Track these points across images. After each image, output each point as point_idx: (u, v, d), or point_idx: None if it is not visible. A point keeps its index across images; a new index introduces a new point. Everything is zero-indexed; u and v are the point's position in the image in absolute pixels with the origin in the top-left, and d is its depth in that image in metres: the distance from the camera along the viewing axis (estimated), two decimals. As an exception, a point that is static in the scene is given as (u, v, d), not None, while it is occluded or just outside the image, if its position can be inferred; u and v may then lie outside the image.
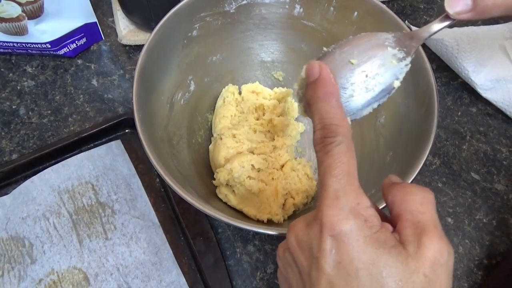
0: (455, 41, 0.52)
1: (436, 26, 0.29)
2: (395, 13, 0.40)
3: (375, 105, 0.28)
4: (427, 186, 0.48)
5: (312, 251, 0.22)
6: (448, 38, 0.53)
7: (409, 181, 0.33)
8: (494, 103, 0.53)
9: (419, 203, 0.23)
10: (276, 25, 0.46)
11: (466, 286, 0.44)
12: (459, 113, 0.54)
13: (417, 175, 0.34)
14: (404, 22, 0.40)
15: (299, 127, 0.47)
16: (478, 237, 0.46)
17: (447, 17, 0.28)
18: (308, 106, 0.26)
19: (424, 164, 0.34)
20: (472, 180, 0.49)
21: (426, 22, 0.61)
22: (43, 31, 0.49)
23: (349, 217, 0.21)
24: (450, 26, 0.29)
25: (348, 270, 0.21)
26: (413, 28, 0.55)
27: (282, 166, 0.43)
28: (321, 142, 0.24)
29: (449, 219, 0.47)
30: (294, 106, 0.47)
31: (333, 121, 0.24)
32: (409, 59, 0.27)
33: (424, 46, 0.54)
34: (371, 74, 0.27)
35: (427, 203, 0.23)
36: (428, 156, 0.34)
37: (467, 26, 0.57)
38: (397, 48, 0.27)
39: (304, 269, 0.23)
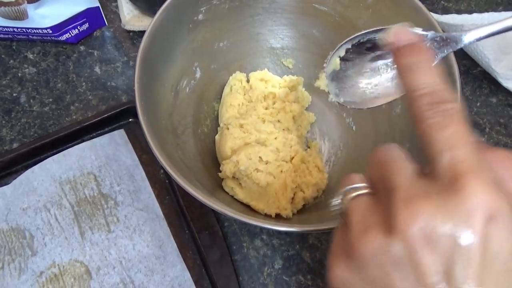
0: (475, 27, 0.49)
1: (481, 31, 0.25)
2: (413, -5, 0.38)
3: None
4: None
5: (454, 249, 0.16)
6: (468, 24, 0.50)
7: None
8: (516, 93, 0.50)
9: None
10: (287, 9, 0.43)
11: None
12: (478, 104, 0.51)
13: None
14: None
15: (310, 117, 0.45)
16: (497, 234, 0.44)
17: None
18: (405, 72, 0.22)
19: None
20: (491, 174, 0.47)
21: (444, 8, 0.58)
22: (44, 16, 0.47)
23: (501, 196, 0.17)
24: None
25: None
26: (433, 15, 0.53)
27: (292, 158, 0.41)
28: (435, 107, 0.19)
29: (466, 215, 0.45)
30: (304, 95, 0.45)
31: (441, 86, 0.20)
32: None
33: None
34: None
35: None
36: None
37: (488, 11, 0.54)
38: None
39: (436, 276, 0.17)
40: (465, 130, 0.19)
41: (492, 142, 0.49)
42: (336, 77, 0.28)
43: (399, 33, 0.23)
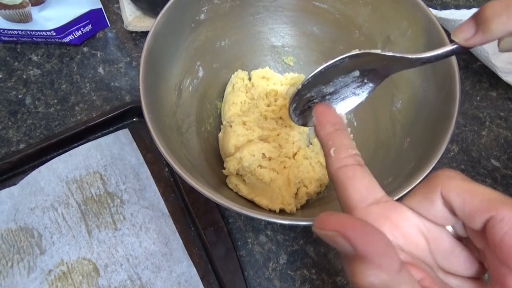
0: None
1: (432, 53, 0.27)
2: (412, -9, 0.38)
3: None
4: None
5: None
6: (467, 19, 0.51)
7: (429, 170, 0.32)
8: (516, 86, 0.50)
9: None
10: (287, 7, 0.44)
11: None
12: (478, 98, 0.52)
13: (436, 163, 0.32)
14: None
15: (312, 114, 0.45)
16: (499, 226, 0.44)
17: (451, 44, 0.27)
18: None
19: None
20: (492, 168, 0.47)
21: (443, 3, 0.58)
22: (48, 18, 0.48)
23: None
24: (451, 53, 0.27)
25: None
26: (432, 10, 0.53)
27: (294, 154, 0.41)
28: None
29: (468, 208, 0.45)
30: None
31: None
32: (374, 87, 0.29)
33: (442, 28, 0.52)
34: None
35: None
36: (447, 143, 0.33)
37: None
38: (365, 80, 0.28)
39: None
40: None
41: (492, 135, 0.49)
42: (299, 106, 0.29)
43: (323, 112, 0.25)
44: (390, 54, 0.26)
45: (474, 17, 0.25)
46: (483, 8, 0.24)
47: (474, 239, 0.20)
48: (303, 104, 0.28)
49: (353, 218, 0.17)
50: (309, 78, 0.26)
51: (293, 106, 0.28)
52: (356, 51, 0.26)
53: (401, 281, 0.16)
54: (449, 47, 0.27)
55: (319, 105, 0.26)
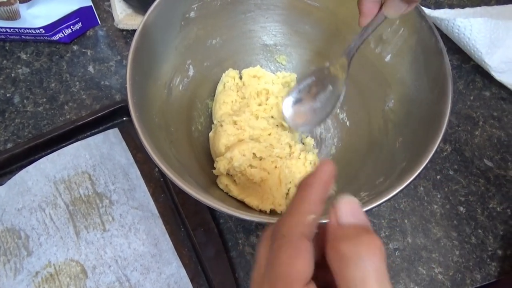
0: (468, 21, 0.50)
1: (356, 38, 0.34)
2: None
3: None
4: (438, 174, 0.47)
5: None
6: (460, 18, 0.50)
7: (420, 170, 0.31)
8: (509, 86, 0.50)
9: (359, 281, 0.18)
10: (279, 6, 0.43)
11: (479, 277, 0.42)
12: (472, 98, 0.51)
13: (427, 162, 0.32)
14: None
15: (304, 113, 0.45)
16: (492, 226, 0.44)
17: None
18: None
19: (435, 151, 0.32)
20: (485, 167, 0.47)
21: (436, 2, 0.58)
22: (36, 16, 0.47)
23: None
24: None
25: None
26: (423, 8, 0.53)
27: (286, 154, 0.41)
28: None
29: (461, 208, 0.45)
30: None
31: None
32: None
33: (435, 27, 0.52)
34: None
35: (369, 278, 0.18)
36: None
37: (480, 6, 0.54)
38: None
39: None
40: None
41: (485, 135, 0.49)
42: (293, 111, 0.39)
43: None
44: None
45: None
46: None
47: None
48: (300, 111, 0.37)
49: None
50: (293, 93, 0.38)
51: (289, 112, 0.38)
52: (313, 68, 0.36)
53: None
54: None
55: (329, 164, 0.22)
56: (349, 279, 0.18)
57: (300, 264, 0.19)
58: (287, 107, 0.39)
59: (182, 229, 0.42)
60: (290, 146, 0.41)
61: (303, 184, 0.22)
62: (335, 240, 0.19)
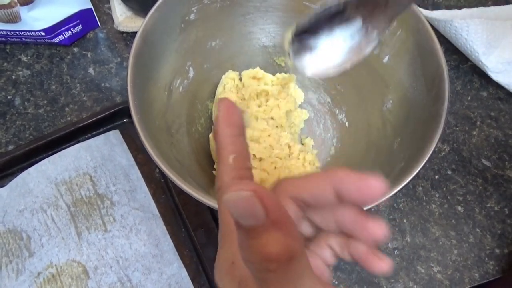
0: (465, 22, 0.50)
1: None
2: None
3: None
4: (436, 174, 0.47)
5: None
6: (457, 19, 0.51)
7: (418, 170, 0.32)
8: (506, 86, 0.51)
9: None
10: (278, 8, 0.44)
11: (477, 276, 0.42)
12: (469, 98, 0.52)
13: (425, 162, 0.32)
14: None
15: (303, 114, 0.45)
16: (489, 225, 0.45)
17: None
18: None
19: (433, 151, 0.32)
20: (483, 167, 0.47)
21: (434, 3, 0.58)
22: (37, 18, 0.48)
23: (223, 277, 0.20)
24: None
25: None
26: (421, 10, 0.53)
27: (285, 155, 0.41)
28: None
29: (459, 208, 0.45)
30: (297, 93, 0.45)
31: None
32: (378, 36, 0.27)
33: (432, 28, 0.53)
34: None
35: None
36: (437, 143, 0.33)
37: (477, 7, 0.55)
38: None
39: None
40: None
41: (483, 135, 0.49)
42: (298, 50, 0.28)
43: (229, 109, 0.22)
44: None
45: None
46: None
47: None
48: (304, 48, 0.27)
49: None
50: (305, 22, 0.25)
51: (293, 48, 0.27)
52: None
53: (304, 252, 0.17)
54: None
55: (224, 100, 0.21)
56: None
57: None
58: (294, 38, 0.28)
59: (183, 230, 0.42)
60: (289, 147, 0.41)
61: (214, 136, 0.22)
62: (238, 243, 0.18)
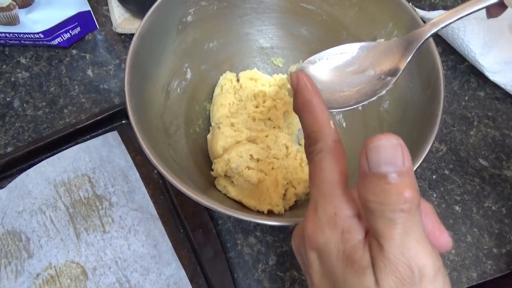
0: (461, 22, 0.50)
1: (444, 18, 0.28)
2: (398, -8, 0.38)
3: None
4: (433, 174, 0.47)
5: (303, 260, 0.23)
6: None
7: (415, 168, 0.32)
8: (503, 86, 0.51)
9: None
10: (275, 9, 0.44)
11: (475, 275, 0.42)
12: (466, 98, 0.52)
13: (423, 162, 0.32)
14: (408, 3, 0.38)
15: (300, 115, 0.45)
16: (487, 225, 0.45)
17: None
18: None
19: (430, 151, 0.32)
20: (480, 167, 0.48)
21: (431, 4, 0.58)
22: (35, 21, 0.48)
23: (324, 228, 0.21)
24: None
25: (332, 280, 0.20)
26: (418, 10, 0.53)
27: (283, 155, 0.41)
28: (307, 151, 0.24)
29: (457, 207, 0.46)
30: (294, 93, 0.46)
31: (313, 128, 0.23)
32: (394, 79, 0.28)
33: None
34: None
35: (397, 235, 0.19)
36: (434, 143, 0.33)
37: (474, 7, 0.55)
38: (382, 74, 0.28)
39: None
40: (318, 170, 0.23)
41: (480, 135, 0.49)
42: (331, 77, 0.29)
43: (291, 80, 0.26)
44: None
45: None
46: None
47: None
48: None
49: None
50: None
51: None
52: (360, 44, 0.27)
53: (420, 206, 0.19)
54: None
55: (302, 73, 0.26)
56: (377, 233, 0.19)
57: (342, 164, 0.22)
58: (321, 69, 0.28)
59: (181, 230, 0.43)
60: (286, 147, 0.41)
61: (300, 110, 0.25)
62: (362, 189, 0.19)
